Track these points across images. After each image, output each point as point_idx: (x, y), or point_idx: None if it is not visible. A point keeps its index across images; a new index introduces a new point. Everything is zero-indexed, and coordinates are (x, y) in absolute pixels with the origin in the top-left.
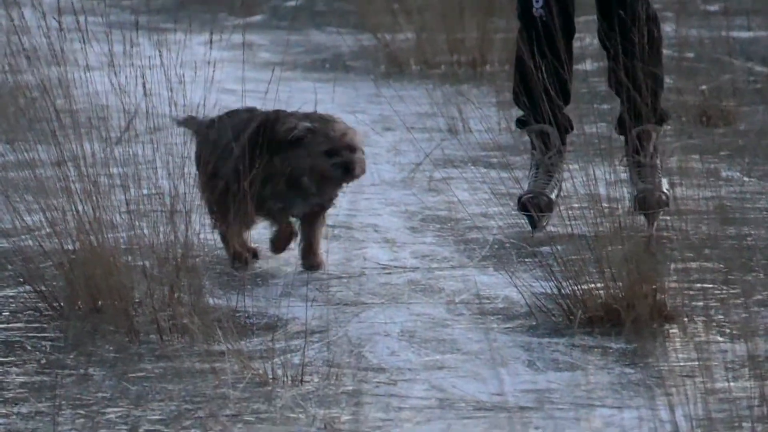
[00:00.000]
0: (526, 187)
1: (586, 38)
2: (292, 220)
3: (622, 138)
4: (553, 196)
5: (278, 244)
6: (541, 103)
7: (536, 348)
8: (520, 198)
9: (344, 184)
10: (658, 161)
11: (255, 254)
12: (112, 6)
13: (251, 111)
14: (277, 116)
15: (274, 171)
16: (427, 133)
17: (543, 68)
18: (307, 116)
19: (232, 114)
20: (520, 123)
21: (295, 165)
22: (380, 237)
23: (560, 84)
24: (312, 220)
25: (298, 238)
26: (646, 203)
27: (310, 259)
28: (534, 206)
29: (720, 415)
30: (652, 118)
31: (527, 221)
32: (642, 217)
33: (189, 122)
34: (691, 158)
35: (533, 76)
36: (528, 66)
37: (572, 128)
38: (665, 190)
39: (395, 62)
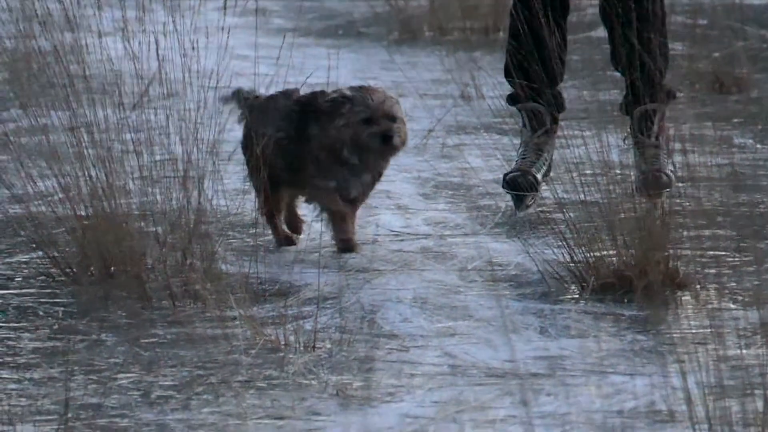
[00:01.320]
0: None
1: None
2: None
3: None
4: (539, 176)
5: (341, 234)
6: (533, 79)
7: (548, 315)
8: (505, 176)
9: (387, 156)
10: (662, 141)
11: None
12: None
13: (287, 96)
14: (317, 92)
15: (315, 146)
16: (439, 100)
17: (536, 45)
18: (348, 88)
19: (280, 95)
20: (511, 99)
21: (334, 135)
22: (393, 204)
23: (553, 61)
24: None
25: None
26: (649, 185)
27: (343, 242)
28: (519, 185)
29: (732, 383)
30: (658, 96)
31: (512, 200)
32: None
33: (237, 97)
34: (704, 125)
35: (525, 52)
36: (520, 42)
37: (564, 107)
38: (668, 171)
39: (408, 29)
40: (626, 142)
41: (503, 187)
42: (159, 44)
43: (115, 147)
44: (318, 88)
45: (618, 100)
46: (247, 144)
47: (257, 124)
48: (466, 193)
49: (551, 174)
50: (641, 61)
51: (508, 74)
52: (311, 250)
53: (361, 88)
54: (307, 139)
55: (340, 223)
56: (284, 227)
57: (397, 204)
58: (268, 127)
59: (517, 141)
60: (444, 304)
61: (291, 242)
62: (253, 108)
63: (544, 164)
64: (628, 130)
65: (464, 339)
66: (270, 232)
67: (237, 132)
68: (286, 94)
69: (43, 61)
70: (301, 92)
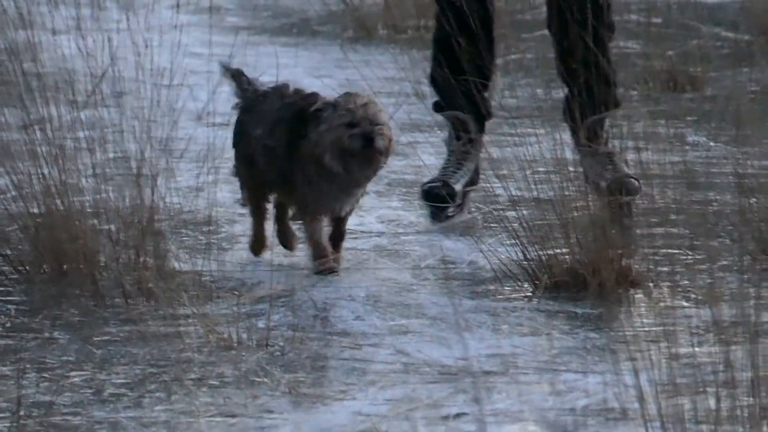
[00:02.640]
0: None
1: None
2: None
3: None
4: (458, 187)
5: (317, 259)
6: (458, 88)
7: (501, 313)
8: (423, 186)
9: (370, 161)
10: (613, 147)
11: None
12: None
13: (282, 96)
14: (309, 97)
15: (302, 154)
16: (393, 98)
17: (461, 52)
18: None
19: (272, 94)
20: (436, 107)
21: (317, 141)
22: None
23: (479, 69)
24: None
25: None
26: (621, 191)
27: (333, 235)
28: (435, 196)
29: (684, 380)
30: (610, 104)
31: (427, 211)
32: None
33: (238, 81)
34: (658, 123)
35: (450, 59)
36: (445, 50)
37: (491, 115)
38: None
39: (363, 27)
40: (578, 149)
41: (420, 197)
42: (112, 42)
43: (69, 145)
44: (310, 91)
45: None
46: (237, 140)
47: (248, 124)
48: (419, 190)
49: (477, 184)
50: (596, 71)
51: (433, 81)
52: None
53: (345, 93)
54: (296, 149)
55: (316, 246)
56: (267, 233)
57: None
58: (258, 130)
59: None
60: (397, 302)
61: (262, 248)
62: (248, 103)
63: (465, 175)
64: (578, 137)
65: (417, 337)
66: (248, 230)
67: (189, 130)
68: (278, 91)
69: None
70: (292, 88)
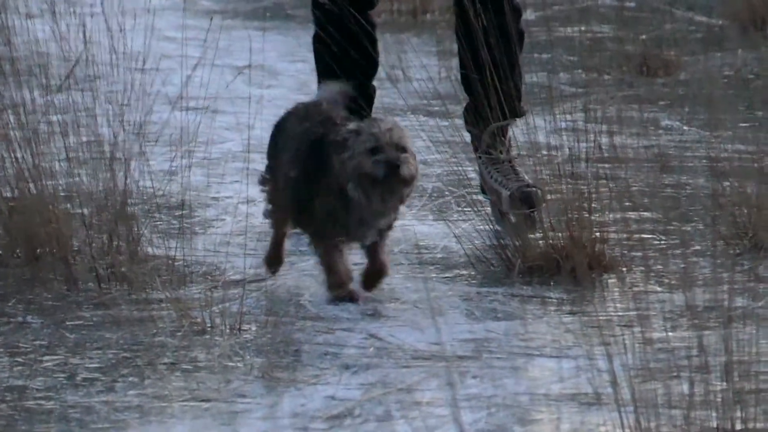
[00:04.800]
0: None
1: None
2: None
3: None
4: None
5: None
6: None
7: (475, 298)
8: None
9: (395, 189)
10: (516, 155)
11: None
12: None
13: (309, 118)
14: (330, 123)
15: (323, 184)
16: None
17: (344, 39)
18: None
19: (292, 119)
20: None
21: (339, 170)
22: None
23: (359, 60)
24: (376, 246)
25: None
26: (525, 202)
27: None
28: None
29: (658, 365)
30: (517, 111)
31: None
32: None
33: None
34: (631, 107)
35: (330, 53)
36: (323, 43)
37: (372, 102)
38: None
39: None
40: (478, 158)
41: None
42: (86, 26)
43: (42, 129)
44: (334, 114)
45: (544, 83)
46: (270, 155)
47: (276, 147)
48: None
49: None
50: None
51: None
52: (237, 233)
53: (370, 118)
54: (315, 180)
55: (330, 273)
56: (284, 251)
57: None
58: (283, 156)
59: (444, 123)
60: None
61: (278, 265)
62: (281, 120)
63: None
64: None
65: (390, 321)
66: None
67: (163, 114)
68: (304, 114)
69: None
70: (320, 108)
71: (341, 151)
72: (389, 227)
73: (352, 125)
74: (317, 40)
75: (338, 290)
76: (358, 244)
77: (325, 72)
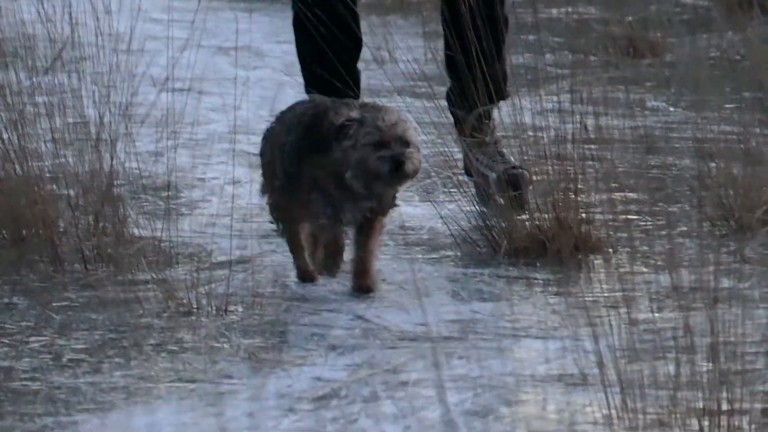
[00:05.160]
0: None
1: None
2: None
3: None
4: None
5: (327, 264)
6: (323, 68)
7: (461, 279)
8: None
9: (396, 184)
10: (500, 138)
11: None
12: None
13: (311, 104)
14: (326, 109)
15: (322, 172)
16: None
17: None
18: (361, 105)
19: (291, 109)
20: (308, 86)
21: (338, 158)
22: None
23: (346, 42)
24: (367, 229)
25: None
26: (519, 182)
27: (358, 281)
28: None
29: (644, 346)
30: (502, 94)
31: None
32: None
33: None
34: (617, 89)
35: (312, 37)
36: (306, 27)
37: (358, 95)
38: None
39: None
40: (464, 141)
41: None
42: (72, 7)
43: (27, 110)
44: (324, 105)
45: (530, 64)
46: (262, 150)
47: (274, 132)
48: None
49: None
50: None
51: (302, 62)
52: (224, 214)
53: (373, 107)
54: (306, 174)
55: (334, 258)
56: (310, 261)
57: None
58: (281, 135)
59: (429, 104)
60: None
61: (312, 279)
62: (278, 115)
63: None
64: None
65: (377, 302)
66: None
67: (149, 96)
68: (312, 102)
69: None
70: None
71: (342, 137)
72: (383, 209)
73: (354, 113)
74: (298, 27)
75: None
76: (346, 226)
77: (312, 81)
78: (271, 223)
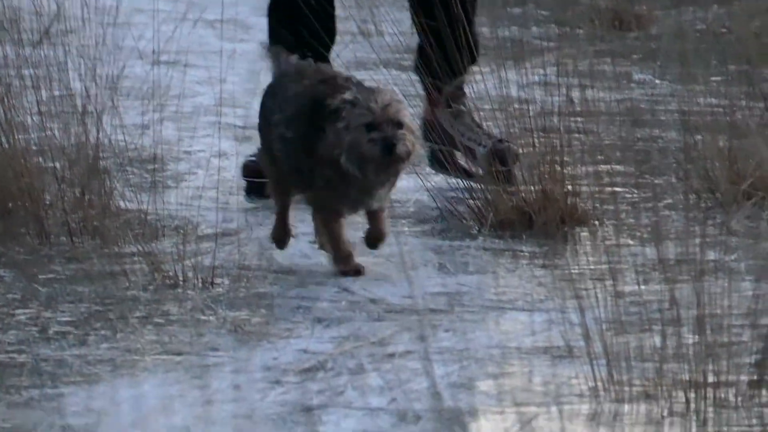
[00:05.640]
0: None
1: None
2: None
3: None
4: None
5: (338, 264)
6: (305, 41)
7: (447, 251)
8: (245, 159)
9: (390, 168)
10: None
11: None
12: None
13: (302, 76)
14: (323, 92)
15: (320, 152)
16: (338, 36)
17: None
18: (357, 84)
19: (293, 74)
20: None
21: (333, 141)
22: None
23: (323, 21)
24: (373, 212)
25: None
26: (507, 156)
27: (372, 230)
28: (252, 171)
29: (630, 318)
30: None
31: (245, 186)
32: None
33: (273, 56)
34: (603, 62)
35: (295, 11)
36: (281, 18)
37: None
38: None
39: None
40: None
41: (241, 172)
42: None
43: (14, 83)
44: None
45: (516, 37)
46: (260, 125)
47: (269, 109)
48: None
49: None
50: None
51: (274, 35)
52: (210, 187)
53: (367, 88)
54: (313, 144)
55: (336, 247)
56: (290, 224)
57: None
58: (277, 116)
59: (415, 77)
60: None
61: (286, 240)
62: (271, 86)
63: None
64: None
65: (363, 275)
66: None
67: (135, 68)
68: (299, 73)
69: None
70: (313, 68)
71: (335, 120)
72: (384, 198)
73: (347, 94)
74: (275, 15)
75: (344, 265)
76: (359, 213)
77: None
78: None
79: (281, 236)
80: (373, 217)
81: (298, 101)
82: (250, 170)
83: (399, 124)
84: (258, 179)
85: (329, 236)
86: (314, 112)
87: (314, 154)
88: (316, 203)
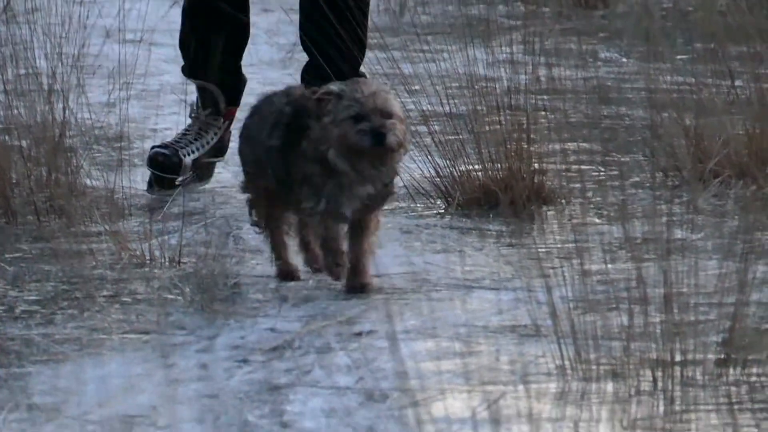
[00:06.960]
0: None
1: None
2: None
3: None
4: (187, 160)
5: (329, 264)
6: (210, 56)
7: (414, 230)
8: (151, 149)
9: (382, 159)
10: None
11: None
12: None
13: (288, 95)
14: (305, 103)
15: (305, 158)
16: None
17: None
18: (338, 82)
19: (269, 100)
20: (186, 70)
21: (320, 136)
22: None
23: (234, 36)
24: (362, 226)
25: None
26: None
27: (353, 279)
28: (159, 164)
29: (597, 297)
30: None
31: (149, 178)
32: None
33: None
34: (569, 40)
35: (203, 27)
36: (197, 17)
37: (238, 101)
38: None
39: None
40: None
41: (145, 162)
42: None
43: None
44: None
45: (483, 15)
46: (241, 148)
47: (253, 127)
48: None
49: (223, 157)
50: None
51: (182, 45)
52: None
53: (352, 80)
54: (297, 150)
55: (328, 251)
56: (292, 259)
57: None
58: (262, 132)
59: (381, 54)
60: None
61: (293, 277)
62: (253, 107)
63: (202, 147)
64: None
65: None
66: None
67: (101, 47)
68: (286, 93)
69: None
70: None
71: (320, 114)
72: (378, 200)
73: (332, 86)
74: (191, 31)
75: (332, 271)
76: (341, 219)
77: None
78: (254, 224)
79: (288, 276)
80: (356, 236)
81: (282, 110)
82: (154, 163)
83: (388, 114)
84: (165, 174)
85: (321, 241)
86: (298, 116)
87: (297, 154)
88: (302, 209)
